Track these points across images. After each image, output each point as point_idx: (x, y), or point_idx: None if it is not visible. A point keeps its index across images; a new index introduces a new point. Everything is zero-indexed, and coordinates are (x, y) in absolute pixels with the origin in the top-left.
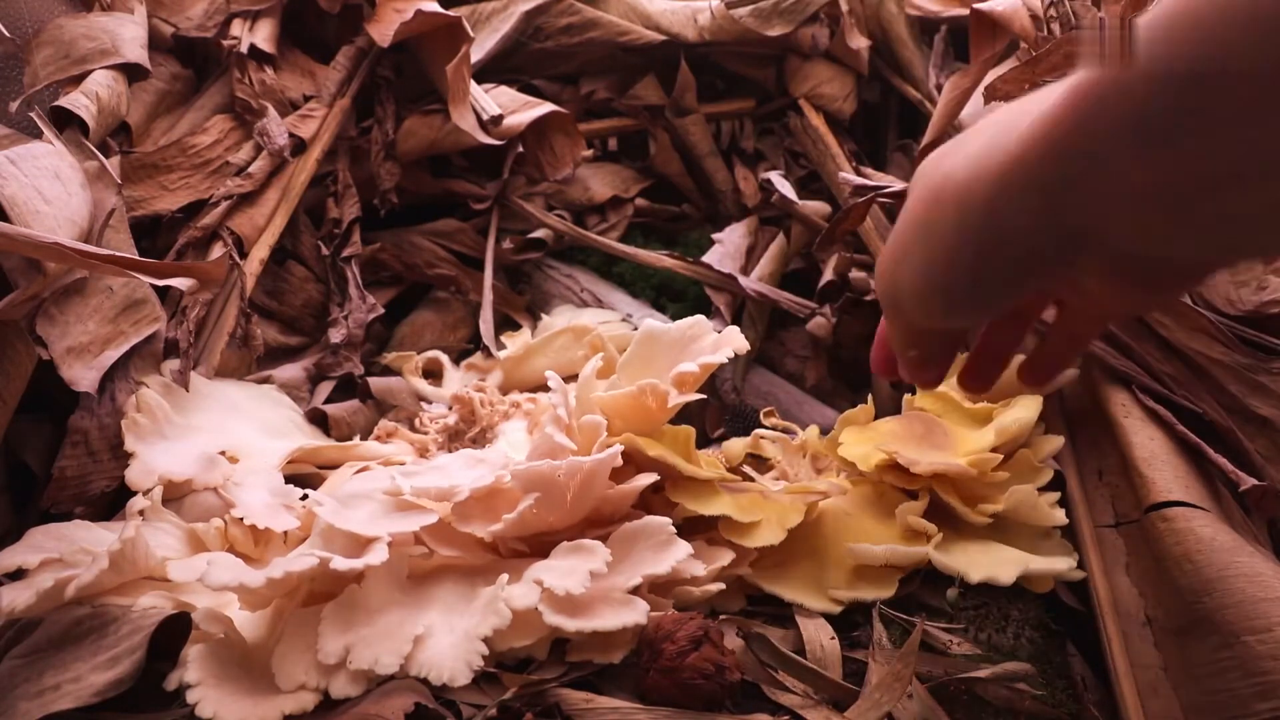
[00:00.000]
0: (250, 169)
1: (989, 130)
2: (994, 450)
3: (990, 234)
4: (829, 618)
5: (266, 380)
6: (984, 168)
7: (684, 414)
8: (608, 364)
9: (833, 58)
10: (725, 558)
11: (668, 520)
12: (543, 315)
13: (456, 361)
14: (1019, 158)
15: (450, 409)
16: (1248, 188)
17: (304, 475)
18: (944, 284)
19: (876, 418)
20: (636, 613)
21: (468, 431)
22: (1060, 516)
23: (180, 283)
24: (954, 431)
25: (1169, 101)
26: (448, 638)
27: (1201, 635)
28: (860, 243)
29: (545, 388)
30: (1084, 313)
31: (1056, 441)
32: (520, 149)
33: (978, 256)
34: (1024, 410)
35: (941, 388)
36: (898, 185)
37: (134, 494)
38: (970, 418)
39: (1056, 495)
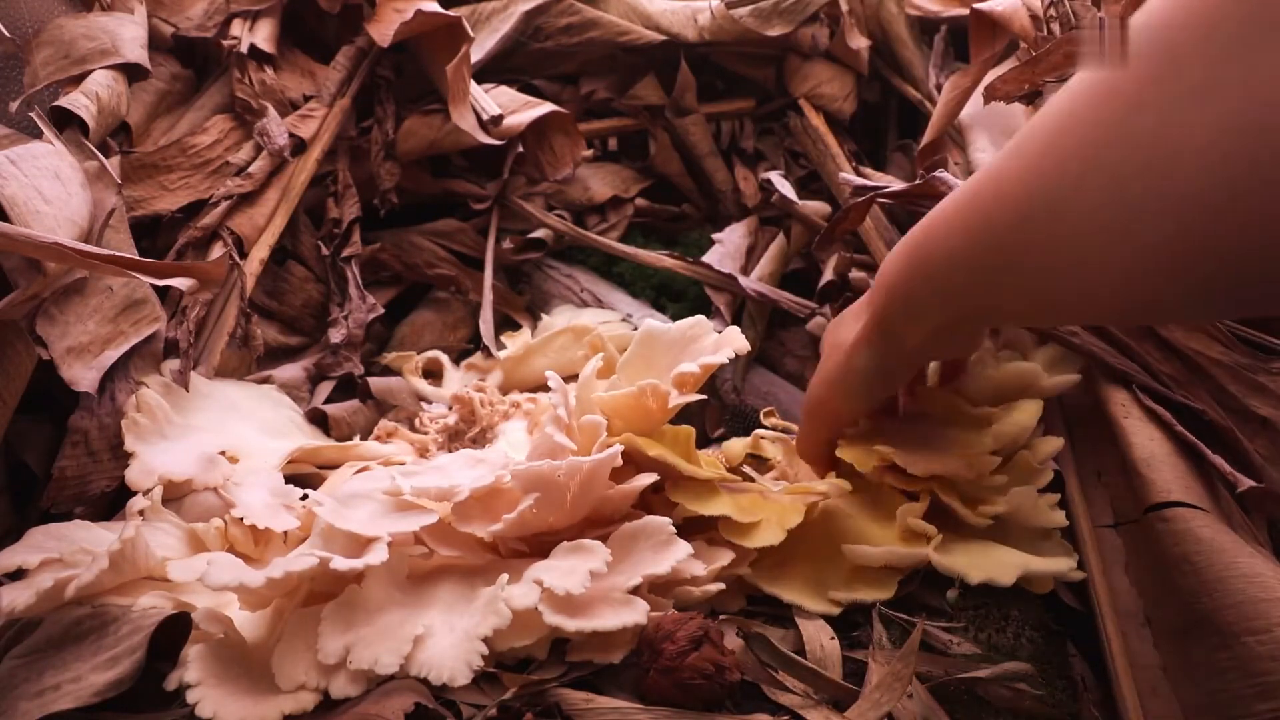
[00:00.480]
0: (250, 169)
1: (844, 333)
2: (993, 453)
3: (865, 368)
4: (829, 618)
5: (266, 380)
6: (853, 343)
7: (684, 414)
8: (608, 364)
9: (833, 58)
10: (725, 558)
11: (668, 520)
12: (543, 315)
13: (456, 361)
14: (864, 338)
15: (450, 409)
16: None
17: (304, 475)
18: (860, 401)
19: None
20: (636, 613)
21: (468, 431)
22: (1060, 518)
23: (180, 283)
24: (954, 435)
25: (908, 300)
26: (448, 638)
27: (1201, 636)
28: (860, 243)
29: (545, 388)
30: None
31: (1056, 443)
32: (520, 149)
33: (872, 383)
34: (1023, 414)
35: (944, 390)
36: (898, 185)
37: (134, 494)
38: (971, 421)
39: (1056, 497)
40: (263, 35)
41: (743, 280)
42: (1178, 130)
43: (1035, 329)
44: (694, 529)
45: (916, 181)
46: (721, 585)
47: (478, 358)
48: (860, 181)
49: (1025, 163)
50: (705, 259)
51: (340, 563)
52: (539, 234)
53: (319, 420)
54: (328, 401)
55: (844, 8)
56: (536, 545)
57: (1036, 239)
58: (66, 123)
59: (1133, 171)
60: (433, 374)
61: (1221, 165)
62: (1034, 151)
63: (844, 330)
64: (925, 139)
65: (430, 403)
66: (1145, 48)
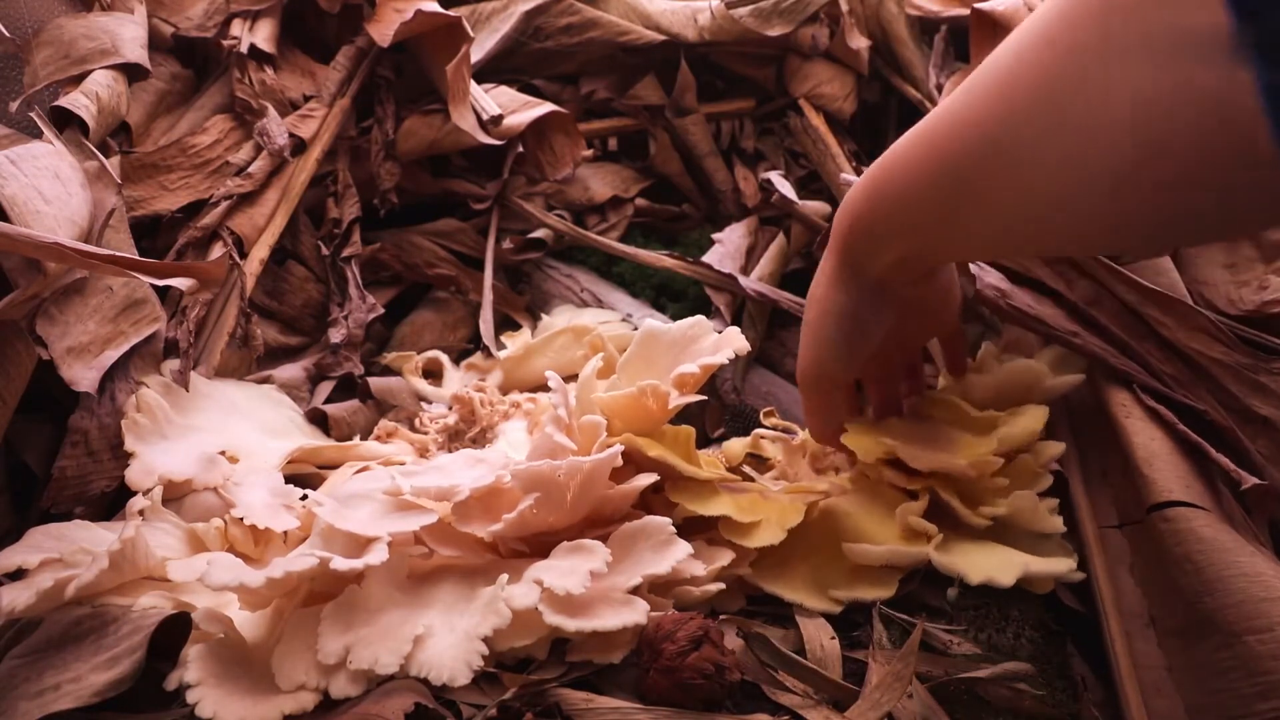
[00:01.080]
0: (250, 169)
1: (814, 296)
2: (996, 454)
3: (837, 316)
4: (829, 617)
5: (266, 380)
6: (817, 296)
7: (684, 414)
8: (608, 364)
9: (833, 58)
10: (725, 558)
11: (668, 520)
12: (543, 315)
13: (456, 361)
14: (828, 279)
15: (450, 409)
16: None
17: (304, 475)
18: (828, 355)
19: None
20: (636, 613)
21: (468, 431)
22: (1059, 524)
23: (180, 283)
24: (958, 436)
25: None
26: (448, 638)
27: (1203, 635)
28: None
29: (545, 388)
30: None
31: (1058, 447)
32: (520, 149)
33: (838, 332)
34: (1030, 420)
35: (950, 395)
36: None
37: (134, 494)
38: (976, 425)
39: (1056, 502)
40: (263, 35)
41: (743, 280)
42: (1115, 79)
43: (1001, 264)
44: (694, 529)
45: None
46: (721, 585)
47: (478, 358)
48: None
49: (977, 101)
50: (705, 259)
51: (340, 563)
52: (539, 234)
53: (319, 420)
54: (328, 401)
55: (844, 8)
56: (536, 545)
57: (989, 170)
58: (66, 123)
59: (1074, 108)
60: (433, 374)
61: (1143, 122)
62: (985, 92)
63: (814, 289)
64: None
65: (430, 403)
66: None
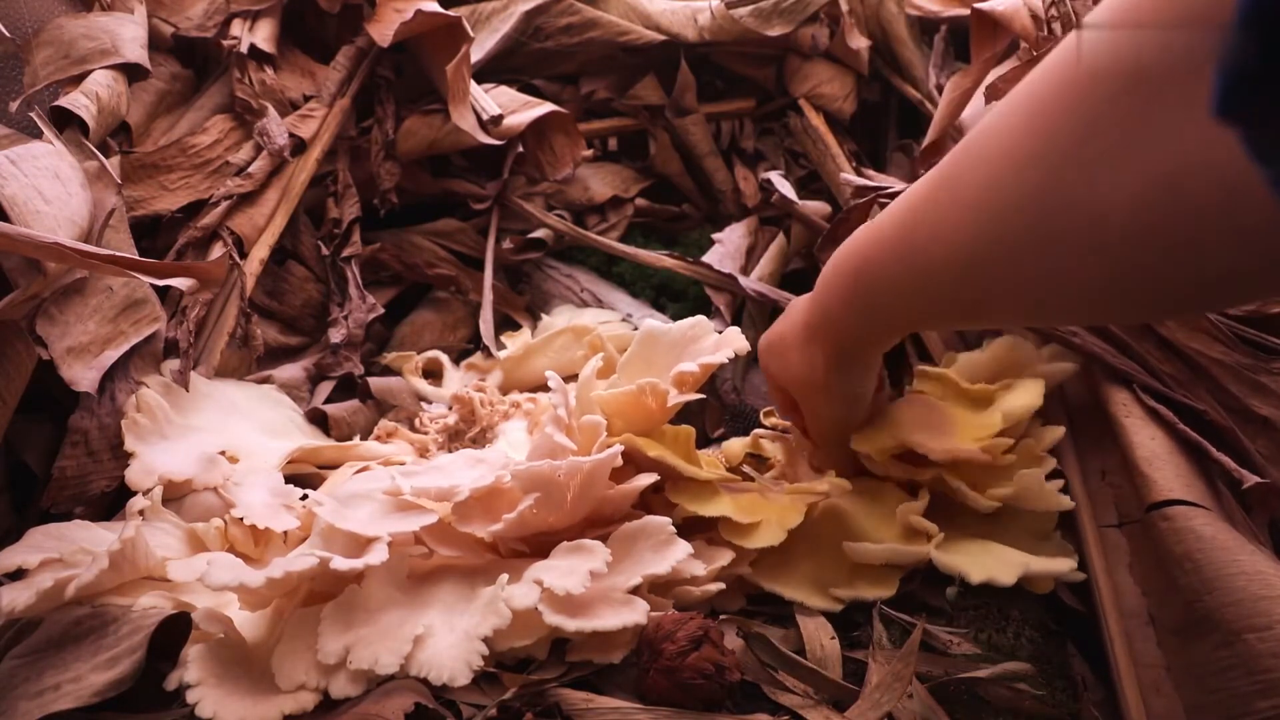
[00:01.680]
0: (250, 169)
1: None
2: (1001, 434)
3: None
4: (829, 617)
5: (266, 380)
6: (817, 399)
7: (684, 414)
8: (608, 364)
9: (833, 58)
10: (725, 558)
11: (668, 520)
12: (543, 315)
13: (456, 361)
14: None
15: (450, 409)
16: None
17: (304, 475)
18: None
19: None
20: (636, 613)
21: (468, 431)
22: (1067, 501)
23: (180, 283)
24: (955, 413)
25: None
26: (448, 638)
27: (1202, 634)
28: None
29: (545, 388)
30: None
31: (1057, 432)
32: (520, 149)
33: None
34: (1027, 395)
35: (941, 369)
36: (898, 186)
37: (134, 494)
38: (969, 400)
39: (1061, 482)
40: (263, 35)
41: (743, 280)
42: (1103, 188)
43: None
44: (694, 529)
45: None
46: (721, 585)
47: (478, 358)
48: (862, 182)
49: (962, 211)
50: (705, 259)
51: (340, 563)
52: (539, 234)
53: (319, 420)
54: (328, 401)
55: (844, 8)
56: (536, 545)
57: (974, 280)
58: (66, 123)
59: (1066, 226)
60: (433, 374)
61: (1145, 218)
62: (970, 201)
63: (793, 365)
64: (927, 140)
65: (430, 403)
66: (1060, 106)
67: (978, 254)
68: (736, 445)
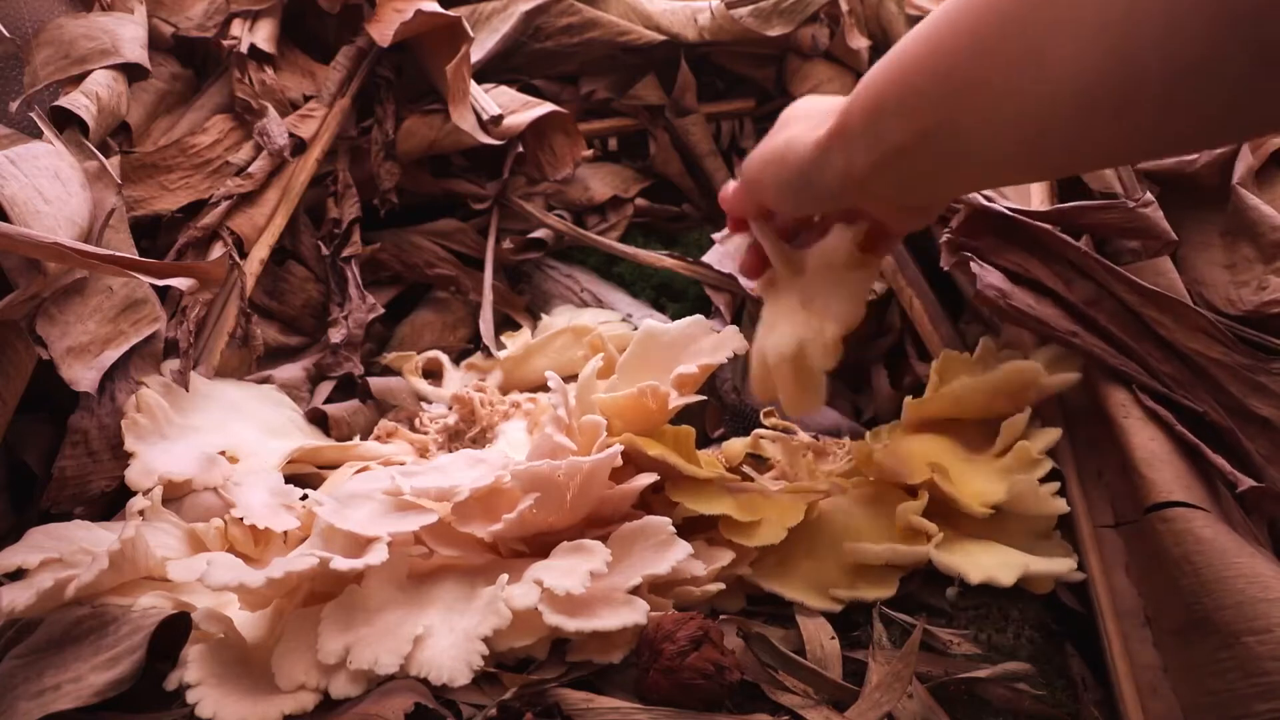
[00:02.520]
0: (250, 169)
1: (813, 119)
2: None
3: (809, 176)
4: (829, 617)
5: (266, 380)
6: (807, 143)
7: (684, 414)
8: (608, 364)
9: (833, 58)
10: (725, 558)
11: (668, 520)
12: (543, 315)
13: (456, 361)
14: (821, 143)
15: (450, 409)
16: (897, 165)
17: (304, 475)
18: (784, 193)
19: (875, 419)
20: (636, 613)
21: (468, 431)
22: (1061, 505)
23: (180, 283)
24: (963, 467)
25: (864, 126)
26: (448, 638)
27: (1201, 636)
28: None
29: (545, 388)
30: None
31: (1054, 434)
32: (520, 149)
33: (802, 189)
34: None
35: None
36: None
37: (134, 494)
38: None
39: (1056, 485)
40: (263, 35)
41: (743, 280)
42: None
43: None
44: (694, 529)
45: None
46: (721, 585)
47: (478, 358)
48: None
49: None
50: (705, 259)
51: (340, 563)
52: (539, 234)
53: (319, 420)
54: (328, 401)
55: (844, 8)
56: (536, 545)
57: (987, 60)
58: (66, 123)
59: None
60: (433, 374)
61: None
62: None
63: (807, 116)
64: None
65: (430, 403)
66: None
67: (988, 30)
68: (736, 445)
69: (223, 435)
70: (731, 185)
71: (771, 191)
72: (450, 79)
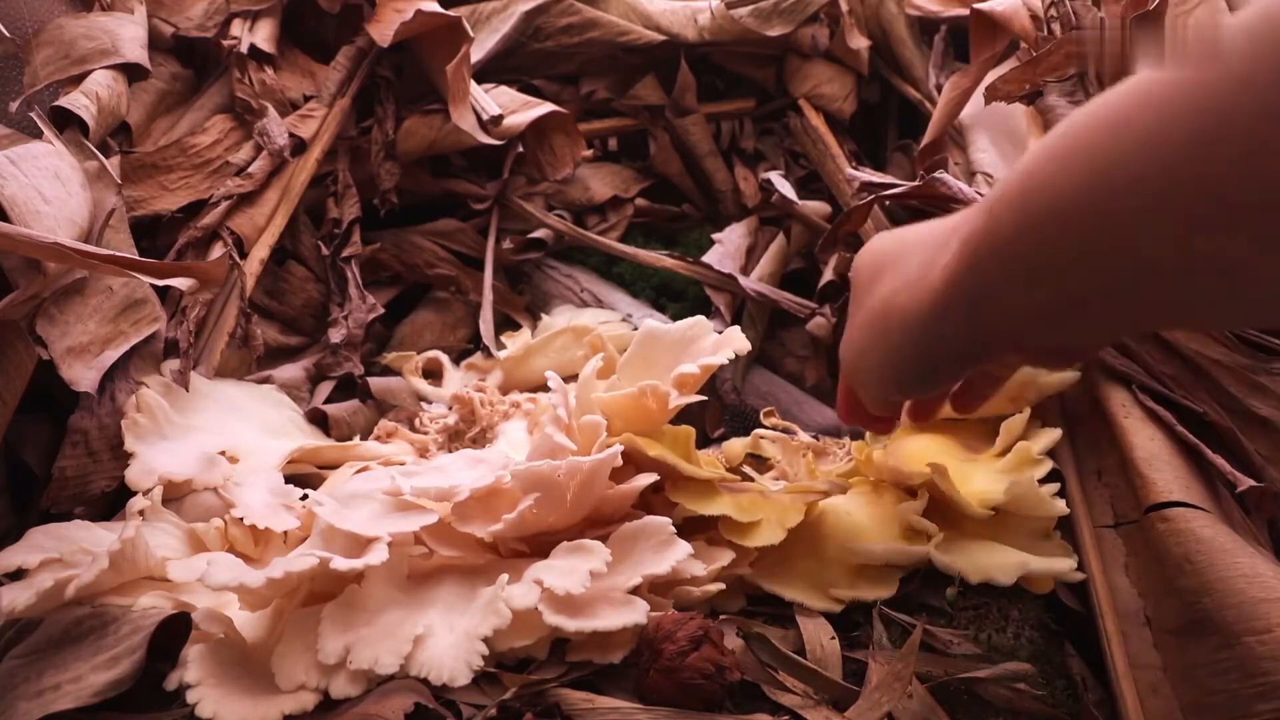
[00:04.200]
0: (250, 169)
1: (916, 256)
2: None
3: (930, 345)
4: (829, 617)
5: (266, 380)
6: (918, 298)
7: (684, 414)
8: (608, 364)
9: (833, 58)
10: (725, 558)
11: (668, 520)
12: (543, 315)
13: (456, 361)
14: (941, 293)
15: (450, 409)
16: (1095, 303)
17: (304, 475)
18: (899, 377)
19: None
20: (636, 613)
21: (468, 431)
22: (1061, 506)
23: (180, 283)
24: (963, 467)
25: (1027, 251)
26: (448, 638)
27: (1201, 636)
28: (861, 243)
29: (545, 388)
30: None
31: (1054, 434)
32: (520, 149)
33: (922, 359)
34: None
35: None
36: (902, 186)
37: (134, 494)
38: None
39: (1056, 486)
40: (263, 35)
41: (743, 280)
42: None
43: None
44: (694, 529)
45: (917, 182)
46: (721, 585)
47: (478, 358)
48: (866, 178)
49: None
50: (705, 259)
51: (340, 563)
52: (539, 234)
53: (319, 420)
54: (328, 401)
55: (844, 8)
56: (536, 545)
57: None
58: (66, 123)
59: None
60: (433, 374)
61: None
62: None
63: (901, 256)
64: (926, 139)
65: (430, 403)
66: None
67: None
68: (736, 445)
69: (223, 435)
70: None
71: (883, 386)
72: (450, 79)
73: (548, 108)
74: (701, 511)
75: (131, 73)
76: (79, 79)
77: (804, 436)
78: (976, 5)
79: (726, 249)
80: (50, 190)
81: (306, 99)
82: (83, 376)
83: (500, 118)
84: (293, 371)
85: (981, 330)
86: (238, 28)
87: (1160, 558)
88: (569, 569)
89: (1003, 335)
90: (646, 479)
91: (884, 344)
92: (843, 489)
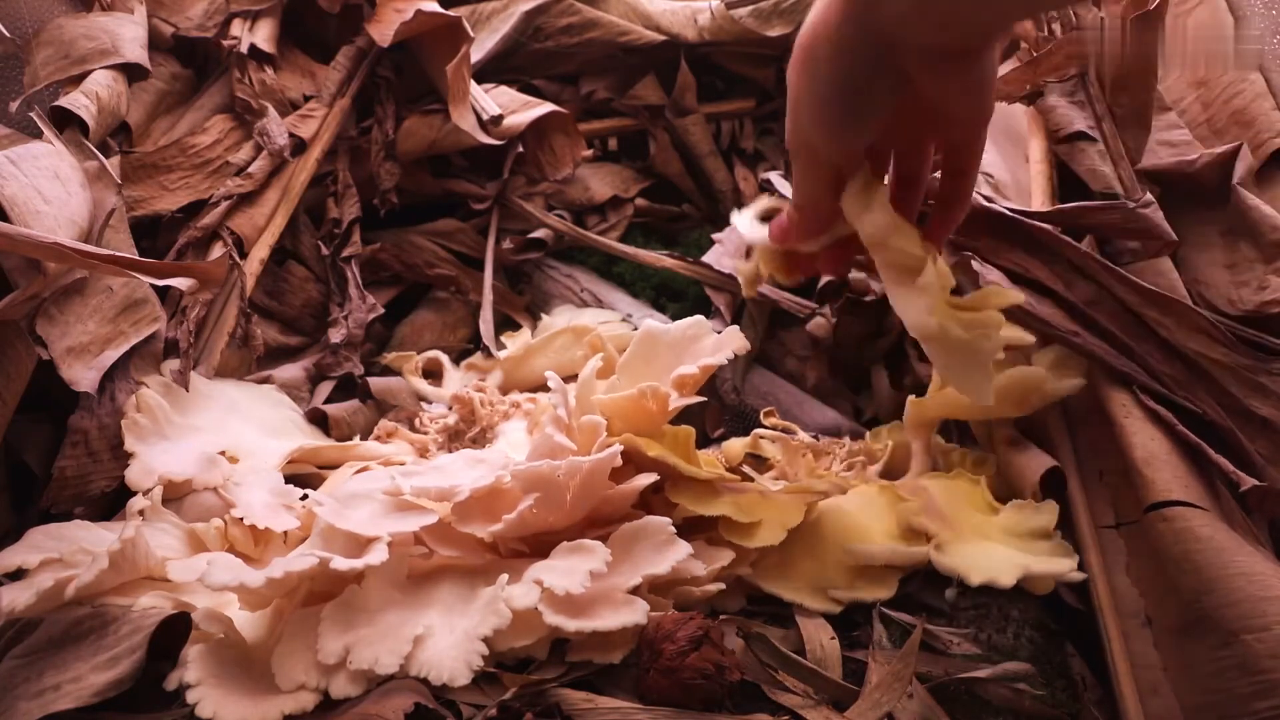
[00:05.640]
0: (250, 169)
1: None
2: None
3: (846, 62)
4: (829, 617)
5: (266, 380)
6: (825, 17)
7: (684, 414)
8: (608, 364)
9: None
10: (725, 558)
11: (668, 520)
12: (543, 315)
13: (456, 361)
14: (841, 7)
15: (450, 409)
16: None
17: (304, 475)
18: (829, 114)
19: (875, 419)
20: (636, 613)
21: (468, 431)
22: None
23: (180, 283)
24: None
25: None
26: (448, 638)
27: (1201, 635)
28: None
29: (545, 388)
30: (943, 131)
31: (1016, 296)
32: (520, 149)
33: (845, 83)
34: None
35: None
36: None
37: (134, 494)
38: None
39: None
40: (263, 35)
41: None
42: None
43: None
44: (694, 529)
45: None
46: (721, 585)
47: (478, 358)
48: None
49: None
50: (705, 259)
51: (340, 563)
52: (539, 234)
53: (319, 420)
54: (328, 401)
55: None
56: (536, 545)
57: None
58: (66, 123)
59: None
60: (433, 374)
61: None
62: None
63: (803, 36)
64: None
65: (430, 403)
66: None
67: None
68: (736, 445)
69: (223, 435)
70: (796, 200)
71: (818, 131)
72: (450, 79)
73: (548, 108)
74: (701, 512)
75: (131, 73)
76: (79, 79)
77: (804, 436)
78: None
79: (726, 249)
80: (50, 190)
81: (306, 99)
82: (83, 376)
83: (500, 118)
84: (293, 371)
85: (876, 34)
86: (238, 28)
87: (1160, 557)
88: (569, 569)
89: (896, 38)
90: (646, 479)
91: (812, 77)
92: (843, 489)
